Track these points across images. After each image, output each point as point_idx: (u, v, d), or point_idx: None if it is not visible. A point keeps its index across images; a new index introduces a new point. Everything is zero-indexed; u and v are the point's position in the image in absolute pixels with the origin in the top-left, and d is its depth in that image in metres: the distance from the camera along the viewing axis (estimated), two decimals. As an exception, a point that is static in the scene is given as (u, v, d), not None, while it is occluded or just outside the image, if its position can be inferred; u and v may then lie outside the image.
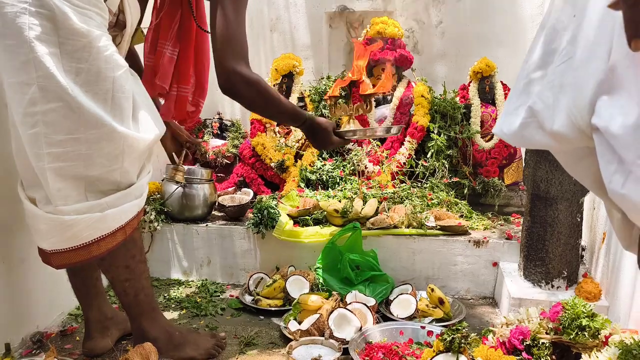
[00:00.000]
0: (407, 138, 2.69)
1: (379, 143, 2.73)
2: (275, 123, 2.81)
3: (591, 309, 1.41)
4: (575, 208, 1.81)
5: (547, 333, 1.44)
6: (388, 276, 2.05)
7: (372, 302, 1.85)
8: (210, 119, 3.08)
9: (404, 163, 2.64)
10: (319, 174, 2.63)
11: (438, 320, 1.83)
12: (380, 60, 2.82)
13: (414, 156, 2.66)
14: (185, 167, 2.31)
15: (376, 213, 2.27)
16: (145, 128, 1.40)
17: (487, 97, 2.75)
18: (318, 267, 2.08)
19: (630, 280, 1.56)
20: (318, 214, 2.29)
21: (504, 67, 2.75)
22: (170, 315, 1.95)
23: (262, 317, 1.93)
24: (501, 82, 2.76)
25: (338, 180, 2.62)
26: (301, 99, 2.88)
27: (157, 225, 2.26)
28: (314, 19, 3.20)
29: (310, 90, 2.90)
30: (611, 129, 0.62)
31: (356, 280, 2.01)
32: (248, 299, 2.03)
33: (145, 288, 1.54)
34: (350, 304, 1.80)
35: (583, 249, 2.01)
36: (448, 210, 2.33)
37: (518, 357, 1.40)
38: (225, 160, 2.88)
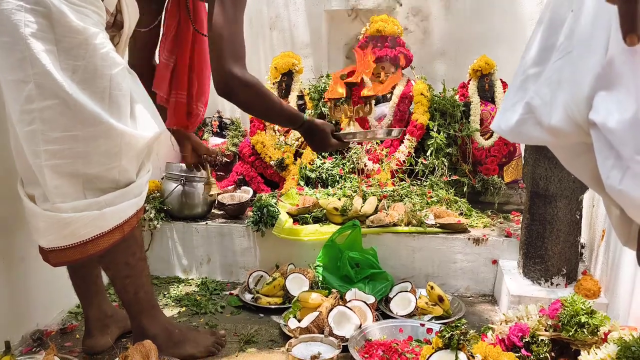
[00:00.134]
0: (407, 136, 2.69)
1: (378, 141, 2.73)
2: (275, 122, 2.81)
3: (590, 306, 1.41)
4: (575, 205, 1.81)
5: (546, 330, 1.44)
6: (388, 274, 2.06)
7: (371, 299, 1.85)
8: (209, 118, 3.08)
9: (404, 161, 2.64)
10: (319, 172, 2.64)
11: (437, 318, 1.83)
12: (379, 59, 2.81)
13: (414, 154, 2.67)
14: (185, 166, 2.32)
15: (376, 211, 2.27)
16: (144, 126, 1.40)
17: (487, 95, 2.75)
18: (318, 265, 2.08)
19: (630, 278, 1.56)
20: (318, 212, 2.29)
21: (504, 65, 2.74)
22: (170, 313, 1.95)
23: (261, 315, 1.94)
24: (501, 79, 2.76)
25: (337, 179, 2.62)
26: (301, 97, 2.88)
27: (157, 223, 2.26)
28: (314, 17, 3.20)
29: (309, 89, 2.90)
30: (608, 124, 0.62)
31: (356, 278, 2.01)
32: (248, 297, 2.04)
33: (145, 285, 1.55)
34: (349, 301, 1.80)
35: (582, 247, 2.01)
36: (448, 208, 2.33)
37: (517, 354, 1.40)
38: (225, 159, 2.88)
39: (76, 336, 1.77)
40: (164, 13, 1.79)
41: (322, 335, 1.60)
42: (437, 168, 2.60)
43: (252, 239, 2.26)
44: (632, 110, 0.60)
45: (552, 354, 1.41)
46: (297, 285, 2.00)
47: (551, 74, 0.72)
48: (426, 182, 2.56)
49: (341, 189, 2.50)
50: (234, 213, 2.38)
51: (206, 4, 1.65)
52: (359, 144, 2.69)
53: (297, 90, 2.86)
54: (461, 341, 1.24)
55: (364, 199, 2.34)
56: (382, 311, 1.89)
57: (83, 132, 1.27)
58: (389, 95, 2.85)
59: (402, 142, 2.70)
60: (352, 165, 2.65)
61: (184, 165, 2.34)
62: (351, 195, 2.39)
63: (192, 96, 1.87)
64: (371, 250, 2.09)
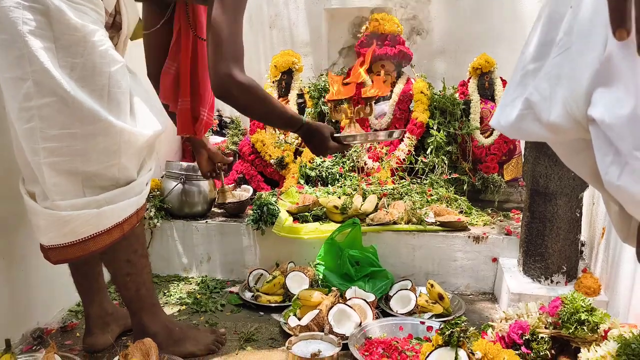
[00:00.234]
0: (407, 134, 2.68)
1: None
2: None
3: (590, 304, 1.41)
4: (575, 203, 1.81)
5: (546, 327, 1.44)
6: (388, 272, 2.06)
7: (371, 297, 1.85)
8: (209, 116, 3.07)
9: (404, 159, 2.64)
10: (319, 171, 2.63)
11: (438, 316, 1.84)
12: (379, 57, 2.81)
13: (414, 152, 2.67)
14: (185, 164, 2.33)
15: (376, 209, 2.27)
16: (144, 123, 1.39)
17: (487, 93, 2.75)
18: (318, 263, 2.09)
19: (630, 275, 1.56)
20: (317, 211, 2.29)
21: (504, 63, 2.74)
22: (170, 311, 1.95)
23: (261, 313, 1.94)
24: (500, 78, 2.76)
25: (337, 177, 2.62)
26: (300, 95, 2.88)
27: (157, 222, 2.26)
28: (313, 15, 3.19)
29: (309, 87, 2.90)
30: (607, 120, 0.62)
31: (356, 276, 2.01)
32: (248, 295, 2.04)
33: (147, 283, 1.55)
34: (349, 299, 1.80)
35: (582, 244, 2.01)
36: (448, 206, 2.33)
37: (517, 352, 1.40)
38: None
39: (76, 334, 1.77)
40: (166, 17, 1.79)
41: (322, 333, 1.60)
42: (437, 166, 2.60)
43: (252, 238, 2.26)
44: (630, 106, 0.60)
45: (552, 351, 1.41)
46: (297, 283, 2.00)
47: (550, 69, 0.72)
48: (426, 180, 2.56)
49: (341, 187, 2.50)
50: (234, 211, 2.38)
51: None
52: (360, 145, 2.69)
53: (297, 88, 2.86)
54: (461, 338, 1.24)
55: (364, 197, 2.34)
56: (382, 309, 1.89)
57: (81, 130, 1.27)
58: (388, 94, 2.85)
59: (402, 140, 2.70)
60: (352, 164, 2.65)
61: (183, 163, 2.34)
62: (351, 193, 2.39)
63: (195, 102, 1.87)
64: (371, 248, 2.09)
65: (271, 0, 3.21)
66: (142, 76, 1.53)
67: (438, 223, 2.17)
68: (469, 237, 2.13)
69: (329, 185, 2.58)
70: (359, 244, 2.08)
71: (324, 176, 2.63)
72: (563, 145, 0.79)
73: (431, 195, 2.40)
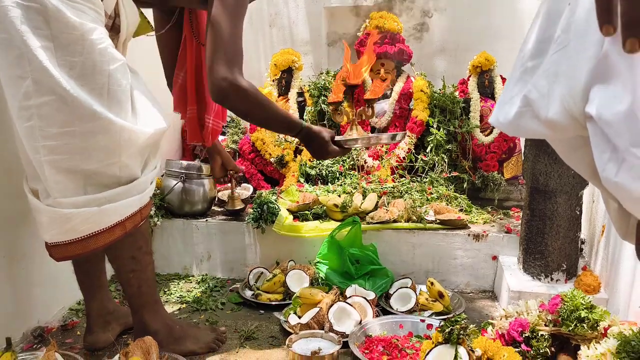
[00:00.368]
0: (407, 133, 2.68)
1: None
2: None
3: (590, 301, 1.41)
4: (575, 201, 1.81)
5: (546, 325, 1.44)
6: (388, 270, 2.06)
7: (371, 295, 1.85)
8: (209, 115, 3.07)
9: (404, 157, 2.64)
10: (319, 169, 2.64)
11: (438, 314, 1.84)
12: (379, 55, 2.81)
13: (414, 151, 2.66)
14: (185, 163, 2.33)
15: (376, 207, 2.27)
16: (145, 121, 1.40)
17: (487, 91, 2.74)
18: (318, 262, 2.09)
19: (629, 273, 1.56)
20: (318, 209, 2.29)
21: (504, 61, 2.74)
22: (170, 309, 1.96)
23: (262, 312, 1.94)
24: (500, 76, 2.76)
25: (337, 175, 2.62)
26: (300, 94, 2.88)
27: (157, 220, 2.26)
28: (313, 14, 3.20)
29: (309, 86, 2.90)
30: (604, 116, 0.62)
31: (356, 274, 2.01)
32: (248, 293, 2.04)
33: (149, 280, 1.55)
34: (350, 297, 1.80)
35: (582, 242, 2.01)
36: (448, 205, 2.33)
37: (517, 349, 1.40)
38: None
39: (77, 333, 1.77)
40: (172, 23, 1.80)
41: (322, 331, 1.60)
42: (437, 164, 2.60)
43: (252, 236, 2.26)
44: (627, 102, 0.60)
45: (552, 348, 1.41)
46: (297, 281, 2.00)
47: (548, 67, 0.72)
48: (426, 178, 2.56)
49: (341, 185, 2.50)
50: (236, 212, 2.37)
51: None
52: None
53: (296, 87, 2.86)
54: (461, 336, 1.24)
55: (364, 196, 2.34)
56: (382, 307, 1.89)
57: (81, 128, 1.28)
58: (388, 92, 2.85)
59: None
60: (352, 162, 2.65)
61: (184, 162, 2.35)
62: (351, 191, 2.39)
63: (201, 109, 1.89)
64: (371, 246, 2.09)
65: (271, -1, 3.21)
66: (144, 76, 1.53)
67: (438, 221, 2.17)
68: (469, 235, 2.13)
69: (329, 184, 2.58)
70: (359, 242, 2.08)
71: (324, 174, 2.63)
72: (562, 143, 0.79)
73: (431, 193, 2.40)
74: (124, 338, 1.71)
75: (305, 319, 1.69)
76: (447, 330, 1.25)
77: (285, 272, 2.04)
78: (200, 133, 1.91)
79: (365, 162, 2.66)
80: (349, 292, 1.87)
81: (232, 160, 2.17)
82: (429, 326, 1.69)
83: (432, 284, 1.92)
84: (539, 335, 1.42)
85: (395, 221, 2.17)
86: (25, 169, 1.41)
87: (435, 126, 2.65)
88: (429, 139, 2.63)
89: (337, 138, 1.66)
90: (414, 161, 2.64)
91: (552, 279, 1.85)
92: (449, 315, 1.81)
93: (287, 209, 2.26)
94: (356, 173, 2.61)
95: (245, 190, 2.53)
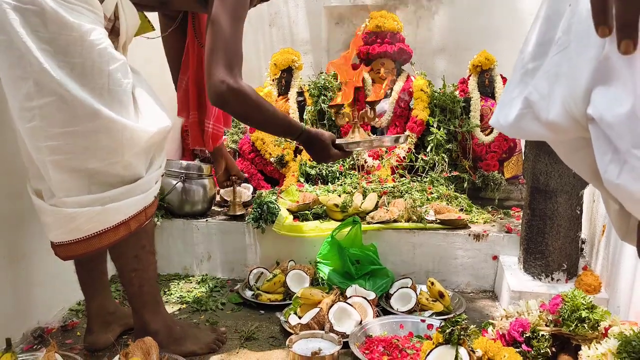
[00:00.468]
0: (407, 132, 2.68)
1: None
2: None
3: (591, 301, 1.41)
4: (575, 201, 1.81)
5: (546, 325, 1.44)
6: (388, 270, 2.06)
7: (372, 296, 1.85)
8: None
9: (404, 157, 2.64)
10: (319, 169, 2.63)
11: (438, 314, 1.83)
12: (379, 55, 2.81)
13: (414, 150, 2.66)
14: (185, 163, 2.33)
15: (376, 207, 2.27)
16: (148, 120, 1.39)
17: (487, 91, 2.74)
18: (318, 262, 2.08)
19: (630, 273, 1.56)
20: (318, 209, 2.29)
21: (504, 61, 2.74)
22: (170, 310, 1.95)
23: (262, 312, 1.94)
24: (501, 75, 2.76)
25: (338, 175, 2.62)
26: (300, 93, 2.87)
27: (157, 220, 2.26)
28: (313, 13, 3.19)
29: (309, 85, 2.90)
30: (606, 118, 0.61)
31: (356, 274, 2.01)
32: (248, 293, 2.04)
33: (151, 280, 1.55)
34: (350, 297, 1.80)
35: (583, 242, 2.01)
36: (448, 204, 2.32)
37: (518, 350, 1.40)
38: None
39: (77, 333, 1.77)
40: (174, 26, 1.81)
41: (322, 332, 1.60)
42: (437, 164, 2.60)
43: (252, 236, 2.26)
44: (629, 104, 0.59)
45: (553, 349, 1.41)
46: (297, 281, 2.00)
47: (549, 68, 0.72)
48: (426, 178, 2.56)
49: (341, 185, 2.50)
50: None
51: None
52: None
53: (296, 86, 2.86)
54: (462, 336, 1.24)
55: (364, 196, 2.34)
56: (382, 307, 1.89)
57: (82, 127, 1.28)
58: (388, 92, 2.85)
59: (402, 138, 2.70)
60: (352, 162, 2.65)
61: (184, 162, 2.35)
62: (351, 191, 2.39)
63: (202, 114, 1.89)
64: (371, 246, 2.08)
65: (271, -2, 3.21)
66: (147, 77, 1.53)
67: (438, 221, 2.17)
68: (469, 235, 2.13)
69: (329, 184, 2.58)
70: (359, 242, 2.08)
71: (324, 174, 2.63)
72: (562, 144, 0.78)
73: (431, 193, 2.40)
74: (124, 339, 1.71)
75: (306, 319, 1.68)
76: (447, 331, 1.25)
77: (286, 273, 2.03)
78: (202, 138, 1.92)
79: (366, 162, 2.66)
80: (349, 292, 1.87)
81: (236, 165, 2.18)
82: (430, 326, 1.68)
83: (432, 284, 1.92)
84: (540, 335, 1.42)
85: (395, 221, 2.17)
86: (28, 170, 1.42)
87: (435, 126, 2.65)
88: (429, 139, 2.63)
89: (338, 141, 1.65)
90: (414, 161, 2.64)
91: (552, 279, 1.85)
92: (449, 315, 1.81)
93: (287, 209, 2.26)
94: (356, 173, 2.61)
95: (245, 190, 2.52)
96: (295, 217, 2.25)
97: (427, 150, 2.62)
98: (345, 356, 1.58)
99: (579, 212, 1.83)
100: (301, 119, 2.81)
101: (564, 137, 0.74)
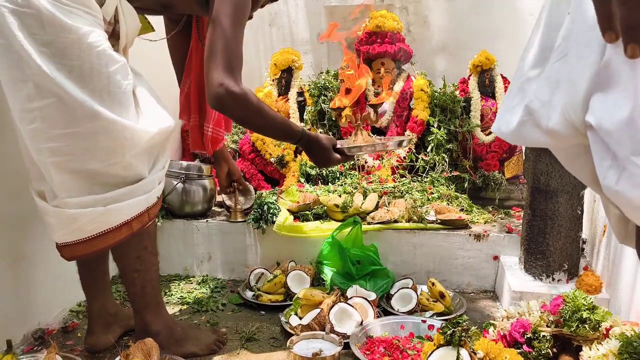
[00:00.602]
0: (407, 132, 2.68)
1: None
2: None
3: (592, 302, 1.41)
4: (576, 201, 1.81)
5: (547, 326, 1.44)
6: (389, 270, 2.05)
7: (372, 296, 1.85)
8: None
9: (404, 157, 2.64)
10: (319, 169, 2.63)
11: (439, 314, 1.83)
12: (379, 54, 2.81)
13: (414, 150, 2.66)
14: (185, 163, 2.33)
15: (376, 207, 2.26)
16: (149, 121, 1.40)
17: (487, 91, 2.74)
18: (319, 262, 2.08)
19: (631, 273, 1.56)
20: (318, 209, 2.29)
21: (504, 60, 2.74)
22: (171, 311, 1.95)
23: (263, 313, 1.94)
24: (501, 75, 2.75)
25: (338, 175, 2.61)
26: (300, 93, 2.87)
27: (158, 221, 2.26)
28: (313, 13, 3.19)
29: (309, 85, 2.89)
30: (604, 125, 0.62)
31: (357, 274, 2.00)
32: (249, 294, 2.04)
33: (153, 281, 1.55)
34: (351, 298, 1.80)
35: (584, 242, 2.00)
36: (448, 204, 2.32)
37: (519, 350, 1.40)
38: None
39: (78, 335, 1.77)
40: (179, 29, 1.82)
41: (323, 333, 1.60)
42: (437, 164, 2.59)
43: (252, 237, 2.26)
44: (627, 110, 0.60)
45: (554, 349, 1.41)
46: (298, 282, 2.00)
47: (549, 75, 0.72)
48: (427, 178, 2.55)
49: (342, 185, 2.50)
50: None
51: None
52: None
53: (296, 86, 2.86)
54: (463, 338, 1.24)
55: (365, 196, 2.34)
56: (383, 308, 1.88)
57: (83, 129, 1.28)
58: (390, 92, 2.84)
59: (403, 138, 2.70)
60: (352, 162, 2.64)
61: (184, 162, 2.34)
62: (352, 191, 2.39)
63: (202, 118, 1.90)
64: (372, 247, 2.08)
65: (271, -2, 3.20)
66: (151, 79, 1.53)
67: (439, 221, 2.17)
68: (469, 235, 2.12)
69: (330, 184, 2.57)
70: (360, 243, 2.08)
71: (324, 174, 2.62)
72: (563, 151, 0.79)
73: (432, 193, 2.40)
74: (125, 340, 1.71)
75: (306, 320, 1.68)
76: (448, 332, 1.25)
77: (286, 273, 2.03)
78: (202, 141, 1.92)
79: (366, 162, 2.66)
80: (350, 292, 1.86)
81: (239, 170, 2.18)
82: (431, 327, 1.68)
83: (433, 284, 1.92)
84: (541, 336, 1.42)
85: (396, 221, 2.17)
86: (30, 171, 1.42)
87: (435, 125, 2.64)
88: (429, 139, 2.62)
89: (339, 145, 1.65)
90: (414, 161, 2.64)
91: (553, 279, 1.85)
92: (450, 316, 1.81)
93: (288, 209, 2.26)
94: (357, 173, 2.60)
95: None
96: (296, 218, 2.24)
97: (428, 150, 2.62)
98: (346, 357, 1.58)
99: (579, 212, 1.83)
100: (301, 119, 2.80)
101: (564, 144, 0.75)
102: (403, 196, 2.36)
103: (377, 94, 2.77)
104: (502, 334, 1.49)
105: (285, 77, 2.86)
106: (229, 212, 2.33)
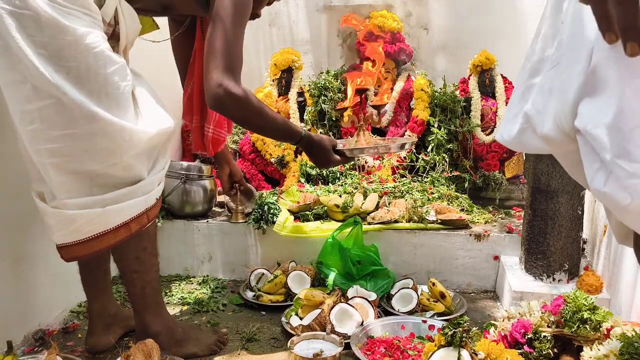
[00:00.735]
0: (407, 132, 2.68)
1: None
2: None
3: (592, 302, 1.41)
4: (577, 201, 1.81)
5: (548, 326, 1.44)
6: (389, 271, 2.05)
7: (373, 296, 1.85)
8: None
9: (404, 157, 2.64)
10: (319, 170, 2.63)
11: (439, 314, 1.83)
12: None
13: (414, 150, 2.66)
14: (185, 164, 2.33)
15: (377, 208, 2.26)
16: (148, 122, 1.39)
17: (487, 90, 2.74)
18: (319, 263, 2.08)
19: (632, 273, 1.56)
20: (319, 209, 2.29)
21: (504, 60, 2.74)
22: (172, 311, 1.95)
23: (263, 313, 1.93)
24: (501, 75, 2.75)
25: (338, 175, 2.61)
26: (300, 93, 2.87)
27: (158, 221, 2.26)
28: (313, 13, 3.19)
29: (309, 85, 2.89)
30: (590, 129, 0.64)
31: (357, 275, 2.00)
32: (249, 294, 2.04)
33: (153, 281, 1.55)
34: (351, 298, 1.79)
35: (584, 242, 2.00)
36: (449, 204, 2.32)
37: (520, 351, 1.40)
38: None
39: (78, 335, 1.77)
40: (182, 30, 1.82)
41: (324, 333, 1.60)
42: (438, 164, 2.59)
43: (253, 237, 2.26)
44: (611, 114, 0.61)
45: (555, 350, 1.41)
46: (298, 282, 2.00)
47: (544, 83, 0.76)
48: (427, 178, 2.55)
49: (342, 185, 2.50)
50: (235, 211, 2.37)
51: None
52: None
53: (297, 87, 2.86)
54: (464, 339, 1.24)
55: (365, 196, 2.34)
56: (383, 308, 1.88)
57: (81, 130, 1.28)
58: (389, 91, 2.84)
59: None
60: (352, 162, 2.64)
61: (184, 163, 2.34)
62: (352, 192, 2.38)
63: (203, 119, 1.89)
64: (372, 247, 2.08)
65: (271, -2, 3.20)
66: (154, 80, 1.53)
67: (439, 221, 2.17)
68: (470, 235, 2.12)
69: (330, 184, 2.57)
70: (360, 243, 2.07)
71: (324, 175, 2.62)
72: (565, 157, 0.81)
73: (432, 193, 2.40)
74: (126, 340, 1.70)
75: (307, 320, 1.68)
76: (449, 333, 1.24)
77: (287, 273, 2.03)
78: (202, 142, 1.92)
79: (366, 162, 2.66)
80: (350, 293, 1.86)
81: (240, 171, 2.18)
82: (431, 327, 1.68)
83: (433, 284, 1.92)
84: (542, 336, 1.42)
85: (396, 221, 2.17)
86: (30, 172, 1.42)
87: (436, 125, 2.64)
88: (429, 139, 2.62)
89: (343, 147, 1.64)
90: (414, 161, 2.64)
91: (554, 279, 1.85)
92: (450, 316, 1.81)
93: (288, 210, 2.26)
94: (357, 173, 2.60)
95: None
96: (296, 218, 2.24)
97: (428, 150, 2.62)
98: (347, 357, 1.57)
99: (580, 212, 1.82)
100: (301, 119, 2.80)
101: (559, 150, 0.78)
102: (403, 196, 2.36)
103: (377, 94, 2.77)
104: (503, 334, 1.49)
105: (285, 77, 2.86)
106: (230, 212, 2.32)
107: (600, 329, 1.36)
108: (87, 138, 1.29)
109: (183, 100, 1.94)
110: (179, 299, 2.07)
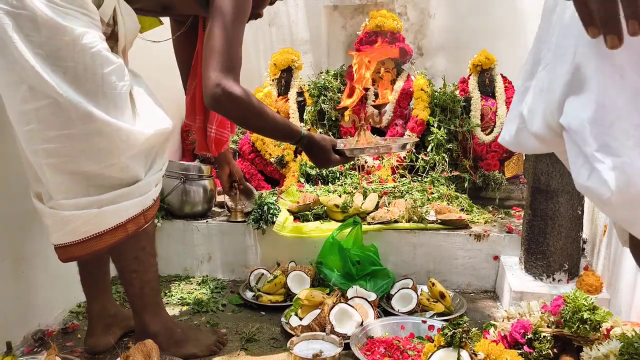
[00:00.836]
0: (407, 132, 2.68)
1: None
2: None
3: (592, 302, 1.41)
4: (576, 201, 1.80)
5: (548, 326, 1.44)
6: (389, 271, 2.05)
7: (373, 296, 1.84)
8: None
9: (404, 157, 2.63)
10: (319, 169, 2.63)
11: (439, 315, 1.83)
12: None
13: (414, 150, 2.66)
14: (185, 164, 2.33)
15: (376, 208, 2.26)
16: (146, 123, 1.39)
17: (487, 90, 2.74)
18: (319, 263, 2.08)
19: (632, 273, 1.56)
20: (318, 209, 2.29)
21: (504, 60, 2.73)
22: (171, 311, 1.95)
23: (263, 313, 1.93)
24: (501, 74, 2.75)
25: (338, 175, 2.61)
26: (300, 93, 2.87)
27: (157, 222, 2.25)
28: (313, 13, 3.19)
29: (309, 85, 2.89)
30: (572, 125, 0.66)
31: (357, 275, 2.00)
32: (249, 295, 2.03)
33: (152, 281, 1.54)
34: (351, 299, 1.79)
35: (584, 242, 2.00)
36: (448, 204, 2.32)
37: (520, 351, 1.40)
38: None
39: (78, 336, 1.76)
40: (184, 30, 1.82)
41: (323, 333, 1.59)
42: (437, 164, 2.59)
43: (252, 237, 2.26)
44: (591, 110, 0.63)
45: (555, 350, 1.41)
46: (298, 283, 2.00)
47: (536, 84, 0.78)
48: (427, 178, 2.55)
49: (342, 185, 2.50)
50: (235, 211, 2.37)
51: None
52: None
53: (296, 86, 2.85)
54: (464, 339, 1.24)
55: (365, 196, 2.34)
56: (383, 308, 1.88)
57: (78, 130, 1.28)
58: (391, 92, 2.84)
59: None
60: (352, 162, 2.64)
61: (184, 163, 2.34)
62: (352, 192, 2.38)
63: (206, 119, 1.89)
64: (372, 247, 2.08)
65: (270, -2, 3.20)
66: (155, 81, 1.53)
67: (439, 221, 2.17)
68: (470, 235, 2.12)
69: (330, 184, 2.57)
70: (360, 243, 2.07)
71: (324, 175, 2.62)
72: (562, 155, 0.82)
73: (432, 193, 2.40)
74: (125, 341, 1.70)
75: (307, 320, 1.68)
76: (449, 334, 1.24)
77: (286, 274, 2.03)
78: (206, 143, 1.92)
79: (366, 162, 2.66)
80: (350, 293, 1.86)
81: (241, 171, 2.18)
82: (431, 327, 1.68)
83: (433, 284, 1.91)
84: (542, 336, 1.42)
85: (396, 221, 2.17)
86: (27, 173, 1.42)
87: (435, 125, 2.64)
88: (429, 138, 2.62)
89: (344, 147, 1.64)
90: (414, 161, 2.63)
91: (554, 279, 1.85)
92: (450, 316, 1.81)
93: (288, 210, 2.26)
94: (357, 173, 2.60)
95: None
96: (296, 218, 2.24)
97: (428, 150, 2.62)
98: (347, 357, 1.57)
99: (580, 212, 1.82)
100: (301, 119, 2.80)
101: (551, 149, 0.81)
102: (403, 196, 2.36)
103: (377, 94, 2.77)
104: (502, 334, 1.49)
105: (285, 77, 2.86)
106: (229, 212, 2.32)
107: (600, 329, 1.36)
108: (83, 138, 1.29)
109: (186, 101, 1.93)
110: (178, 299, 2.07)
